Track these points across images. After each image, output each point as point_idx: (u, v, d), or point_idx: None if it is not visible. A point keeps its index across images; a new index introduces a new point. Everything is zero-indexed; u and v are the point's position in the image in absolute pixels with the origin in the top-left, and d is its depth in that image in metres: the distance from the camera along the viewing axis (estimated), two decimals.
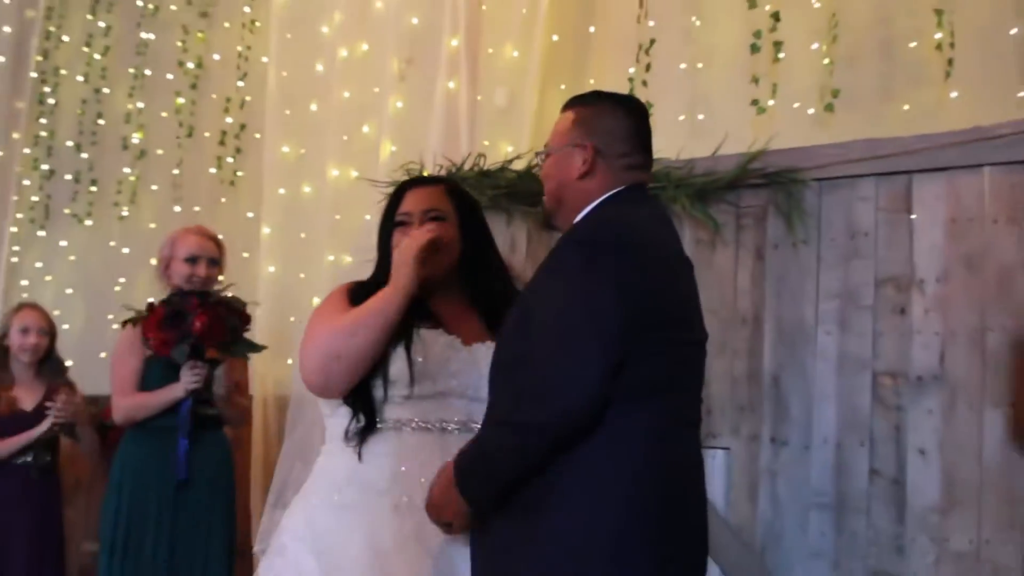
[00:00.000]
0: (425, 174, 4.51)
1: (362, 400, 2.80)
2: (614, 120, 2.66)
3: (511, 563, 2.41)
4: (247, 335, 4.51)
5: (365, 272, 4.39)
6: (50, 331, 5.08)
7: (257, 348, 4.56)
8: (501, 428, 2.41)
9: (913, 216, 3.66)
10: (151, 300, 4.40)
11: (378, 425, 2.80)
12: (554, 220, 2.76)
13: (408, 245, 2.81)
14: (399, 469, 2.75)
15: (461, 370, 2.82)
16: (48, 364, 5.07)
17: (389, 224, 2.98)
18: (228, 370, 4.51)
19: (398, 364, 2.78)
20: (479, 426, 2.64)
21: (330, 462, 2.88)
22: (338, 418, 2.85)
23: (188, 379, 4.28)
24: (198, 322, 4.21)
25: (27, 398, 4.95)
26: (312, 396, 3.01)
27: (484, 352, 2.80)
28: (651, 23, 4.68)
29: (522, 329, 2.44)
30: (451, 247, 2.92)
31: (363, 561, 2.67)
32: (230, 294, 4.52)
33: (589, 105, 2.71)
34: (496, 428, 2.44)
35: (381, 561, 2.67)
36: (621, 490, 2.34)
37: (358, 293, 2.90)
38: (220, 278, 4.63)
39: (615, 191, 2.59)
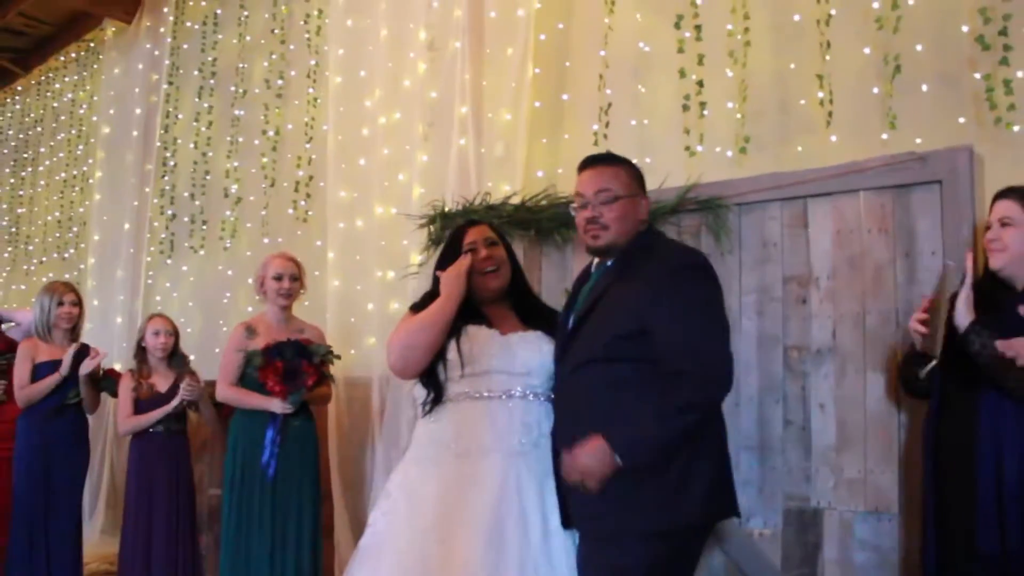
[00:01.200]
0: (447, 210, 4.47)
1: (432, 380, 2.92)
2: (644, 181, 2.80)
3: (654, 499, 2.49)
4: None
5: (404, 284, 4.40)
6: (175, 332, 5.02)
7: (331, 377, 4.59)
8: (684, 406, 2.45)
9: (809, 230, 3.59)
10: (268, 345, 4.33)
11: (444, 397, 2.91)
12: (612, 248, 2.71)
13: (456, 266, 2.94)
14: (460, 428, 2.85)
15: (498, 353, 2.88)
16: (175, 358, 5.02)
17: (457, 252, 3.02)
18: None
19: (452, 352, 2.88)
20: (513, 393, 2.84)
21: (418, 428, 2.98)
22: (419, 395, 2.99)
23: (285, 407, 4.27)
24: (310, 381, 4.30)
25: (161, 383, 4.91)
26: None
27: (517, 339, 2.92)
28: (608, 91, 4.61)
29: (636, 335, 2.52)
30: (506, 266, 3.04)
31: (436, 497, 2.79)
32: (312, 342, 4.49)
33: (633, 168, 2.77)
34: (676, 410, 2.45)
35: (447, 497, 2.77)
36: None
37: (421, 307, 2.99)
38: (302, 291, 4.63)
39: (650, 224, 2.79)
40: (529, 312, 3.04)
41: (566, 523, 2.72)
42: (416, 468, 2.91)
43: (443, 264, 3.01)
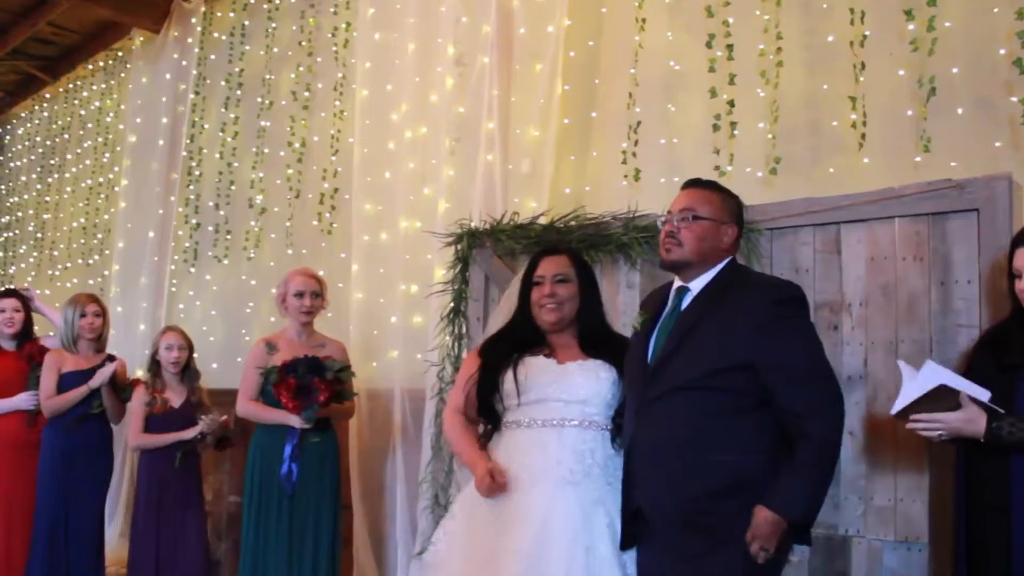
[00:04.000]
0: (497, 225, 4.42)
1: (489, 412, 3.04)
2: (741, 213, 2.80)
3: None
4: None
5: (427, 301, 4.33)
6: (188, 346, 4.95)
7: (351, 396, 4.50)
8: (826, 444, 2.49)
9: (842, 256, 3.52)
10: (284, 362, 4.26)
11: (502, 426, 2.99)
12: (685, 268, 2.73)
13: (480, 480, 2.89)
14: (512, 456, 2.89)
15: (554, 381, 2.92)
16: (188, 372, 4.95)
17: (528, 282, 3.07)
18: None
19: (509, 382, 2.95)
20: (568, 422, 2.87)
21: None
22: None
23: (303, 422, 4.23)
24: (323, 397, 4.22)
25: (175, 398, 4.86)
26: None
27: (574, 368, 2.95)
28: (638, 109, 4.59)
29: (739, 368, 2.53)
30: (573, 301, 3.02)
31: (486, 523, 2.85)
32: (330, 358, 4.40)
33: (731, 196, 2.78)
34: (820, 452, 2.47)
35: (497, 523, 2.82)
36: None
37: (492, 347, 3.10)
38: (325, 307, 4.57)
39: (734, 256, 2.76)
40: (593, 341, 3.04)
41: (625, 545, 2.74)
42: (472, 491, 2.95)
43: (524, 293, 3.08)
